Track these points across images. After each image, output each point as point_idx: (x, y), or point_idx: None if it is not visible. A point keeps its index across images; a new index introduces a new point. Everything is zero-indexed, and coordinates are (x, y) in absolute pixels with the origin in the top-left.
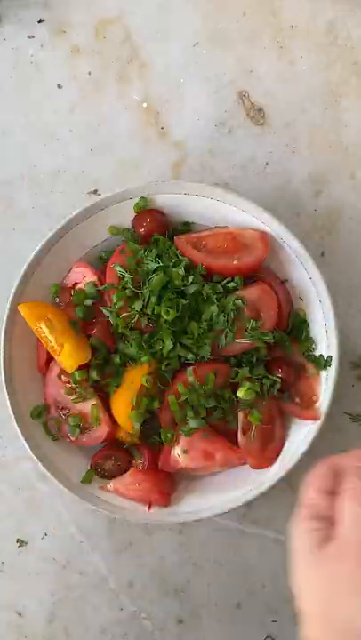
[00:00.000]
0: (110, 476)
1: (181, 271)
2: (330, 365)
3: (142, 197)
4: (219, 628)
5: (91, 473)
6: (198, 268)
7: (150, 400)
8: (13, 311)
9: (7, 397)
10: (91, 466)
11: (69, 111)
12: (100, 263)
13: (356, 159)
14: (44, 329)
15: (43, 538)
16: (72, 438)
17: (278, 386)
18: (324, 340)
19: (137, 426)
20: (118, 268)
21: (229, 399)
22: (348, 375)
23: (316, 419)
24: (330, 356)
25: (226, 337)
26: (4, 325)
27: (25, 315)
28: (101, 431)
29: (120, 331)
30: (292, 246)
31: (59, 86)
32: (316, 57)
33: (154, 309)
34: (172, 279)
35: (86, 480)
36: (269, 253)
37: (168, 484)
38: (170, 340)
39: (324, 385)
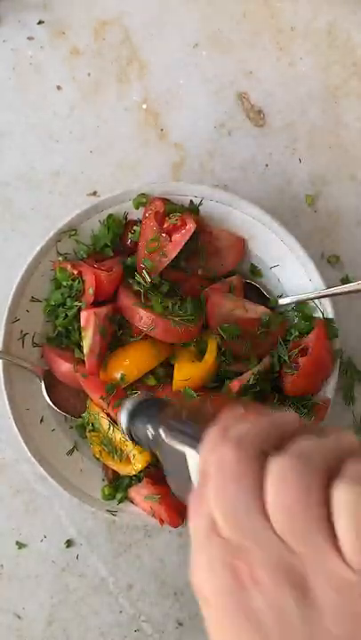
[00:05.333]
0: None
1: None
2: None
3: (141, 194)
4: None
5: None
6: None
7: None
8: (13, 313)
9: (6, 399)
10: None
11: (69, 112)
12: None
13: (356, 160)
14: None
15: (42, 540)
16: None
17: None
18: None
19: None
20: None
21: None
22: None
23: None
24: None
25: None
26: (3, 327)
27: None
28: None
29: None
30: (291, 247)
31: (58, 87)
32: (316, 58)
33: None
34: None
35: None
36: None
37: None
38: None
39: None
